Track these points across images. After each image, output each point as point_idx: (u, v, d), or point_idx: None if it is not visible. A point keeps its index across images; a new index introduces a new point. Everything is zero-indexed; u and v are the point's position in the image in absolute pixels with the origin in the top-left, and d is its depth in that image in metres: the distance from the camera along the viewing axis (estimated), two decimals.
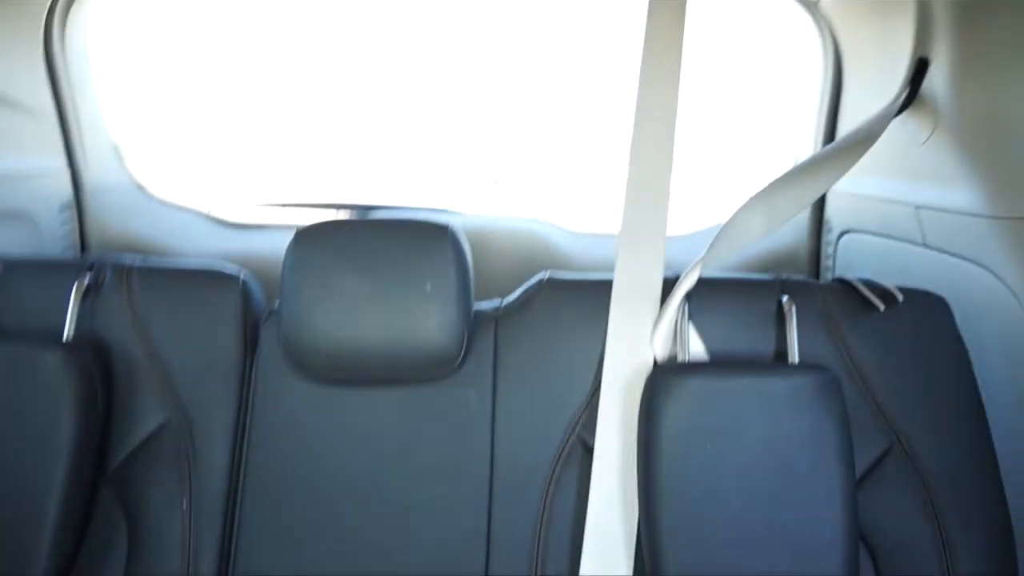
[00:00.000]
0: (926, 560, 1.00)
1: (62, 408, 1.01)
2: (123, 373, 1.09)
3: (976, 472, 1.02)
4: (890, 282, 1.07)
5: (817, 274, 1.64)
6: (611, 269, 1.07)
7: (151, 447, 1.08)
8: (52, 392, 1.02)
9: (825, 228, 1.60)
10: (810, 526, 0.91)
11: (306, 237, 1.07)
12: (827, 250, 1.59)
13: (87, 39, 1.61)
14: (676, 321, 1.02)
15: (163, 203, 1.82)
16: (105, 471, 1.07)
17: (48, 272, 1.12)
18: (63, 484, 1.00)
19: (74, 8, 1.50)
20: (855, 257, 1.48)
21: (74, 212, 1.63)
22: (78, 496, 1.02)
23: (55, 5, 1.46)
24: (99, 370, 1.06)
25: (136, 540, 1.06)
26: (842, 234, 1.53)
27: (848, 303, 1.06)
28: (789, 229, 1.65)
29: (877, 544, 1.00)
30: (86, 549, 1.05)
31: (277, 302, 1.10)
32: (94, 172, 1.65)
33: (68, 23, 1.51)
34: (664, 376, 0.97)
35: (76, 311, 1.07)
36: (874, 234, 1.40)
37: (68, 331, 1.07)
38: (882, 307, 1.03)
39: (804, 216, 1.64)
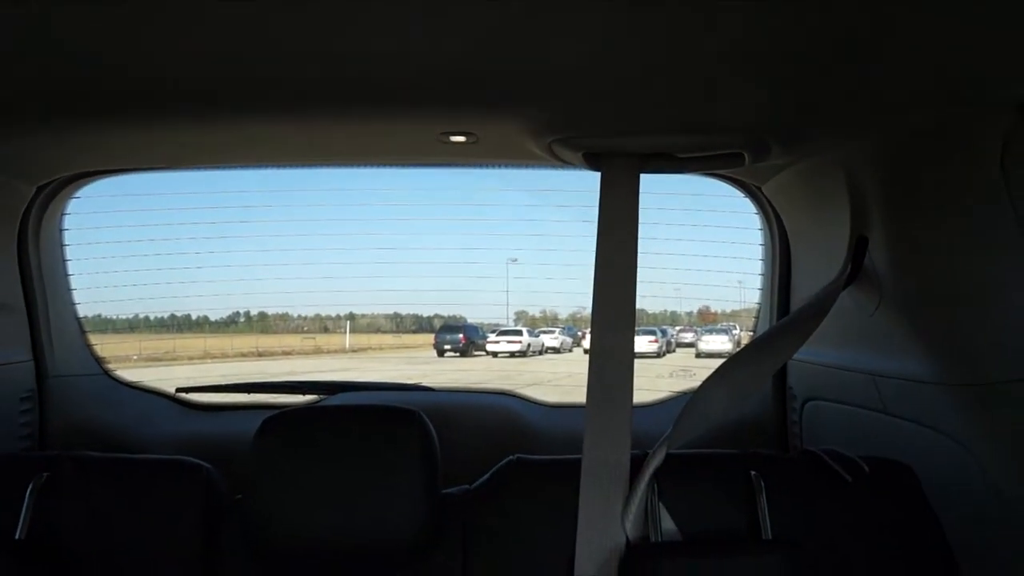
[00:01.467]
0: None
1: None
2: (78, 571, 1.04)
3: None
4: (856, 450, 1.08)
5: (785, 442, 1.65)
6: (581, 441, 1.07)
7: None
8: None
9: (789, 396, 1.63)
10: None
11: (272, 427, 1.07)
12: (792, 417, 1.61)
13: (62, 232, 1.66)
14: (646, 500, 1.02)
15: (128, 387, 1.81)
16: None
17: (4, 469, 1.09)
18: None
19: (52, 205, 1.55)
20: (820, 424, 1.50)
21: (35, 403, 1.61)
22: None
23: (33, 203, 1.51)
24: (52, 570, 1.01)
25: None
26: (805, 402, 1.55)
27: (816, 475, 1.07)
28: (754, 399, 1.68)
29: None
30: None
31: (239, 495, 1.08)
32: (60, 362, 1.65)
33: (45, 218, 1.55)
34: (638, 559, 0.96)
35: (31, 508, 1.04)
36: (836, 401, 1.43)
37: (21, 530, 1.03)
38: (849, 479, 1.04)
39: (768, 385, 1.67)
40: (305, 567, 1.04)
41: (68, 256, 1.70)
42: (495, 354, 10.35)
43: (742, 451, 1.10)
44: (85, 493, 1.08)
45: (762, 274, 1.77)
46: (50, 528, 1.05)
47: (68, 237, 1.69)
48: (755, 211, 1.72)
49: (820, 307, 1.18)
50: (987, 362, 1.03)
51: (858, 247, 1.27)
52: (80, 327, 1.75)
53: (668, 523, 1.01)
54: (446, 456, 1.09)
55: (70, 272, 1.71)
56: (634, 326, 1.10)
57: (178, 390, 1.86)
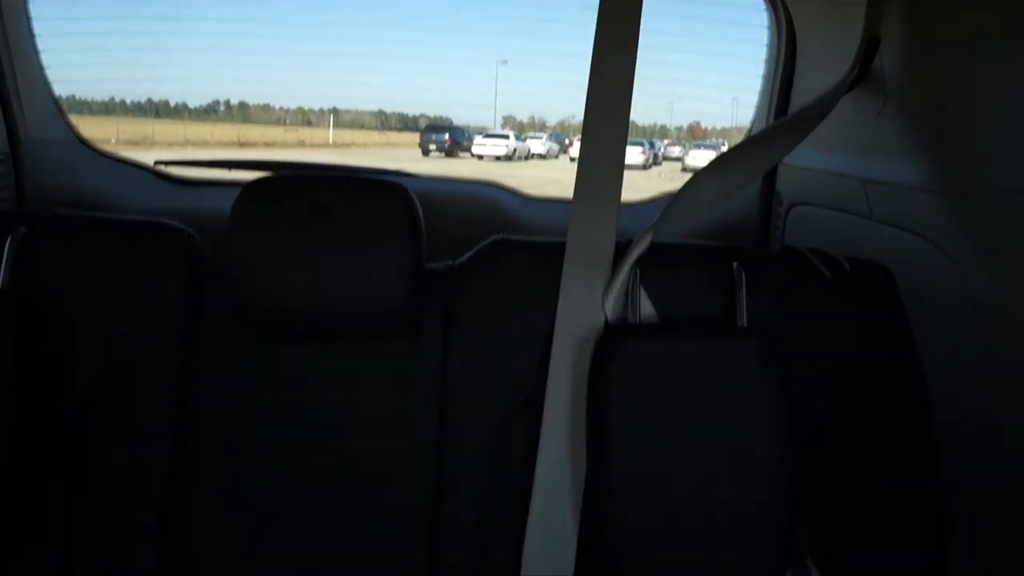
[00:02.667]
0: (860, 529, 1.03)
1: None
2: (61, 327, 1.06)
3: (915, 442, 1.06)
4: (837, 253, 1.09)
5: (766, 245, 1.67)
6: (564, 235, 1.07)
7: (92, 402, 1.05)
8: None
9: (775, 201, 1.63)
10: (748, 488, 0.94)
11: (254, 191, 1.05)
12: (776, 222, 1.61)
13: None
14: (628, 284, 1.03)
15: (106, 158, 1.77)
16: (44, 425, 1.04)
17: None
18: (2, 437, 0.97)
19: None
20: (804, 229, 1.51)
21: (10, 166, 1.57)
22: (16, 448, 0.99)
23: None
24: (35, 321, 1.02)
25: (77, 494, 1.03)
26: (791, 206, 1.55)
27: (796, 271, 1.08)
28: (740, 201, 1.68)
29: (814, 511, 1.03)
30: (27, 503, 1.02)
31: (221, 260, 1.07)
32: (32, 126, 1.60)
33: None
34: (614, 337, 0.98)
35: (11, 261, 1.04)
36: (823, 207, 1.43)
37: (2, 280, 1.03)
38: (829, 275, 1.05)
39: (755, 188, 1.67)
40: (287, 332, 1.06)
41: (32, 14, 1.61)
42: (480, 156, 10.24)
43: (726, 243, 1.11)
44: (66, 248, 1.07)
45: (763, 76, 1.71)
46: (31, 280, 1.06)
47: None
48: (764, 7, 1.64)
49: (822, 108, 1.15)
50: (989, 170, 1.01)
51: (868, 48, 1.22)
52: (51, 92, 1.68)
53: (647, 307, 1.03)
54: (429, 240, 1.09)
55: (37, 32, 1.62)
56: (627, 126, 1.07)
57: (157, 163, 1.82)
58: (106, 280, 1.08)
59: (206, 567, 1.04)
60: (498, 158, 10.22)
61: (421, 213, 1.07)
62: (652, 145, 10.56)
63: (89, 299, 1.07)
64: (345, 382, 1.07)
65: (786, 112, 1.60)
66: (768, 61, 1.68)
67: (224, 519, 1.05)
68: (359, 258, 1.02)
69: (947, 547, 1.05)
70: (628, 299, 1.03)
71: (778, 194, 1.61)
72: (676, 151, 10.74)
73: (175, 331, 1.08)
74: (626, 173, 1.06)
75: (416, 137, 10.73)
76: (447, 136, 10.32)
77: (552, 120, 12.53)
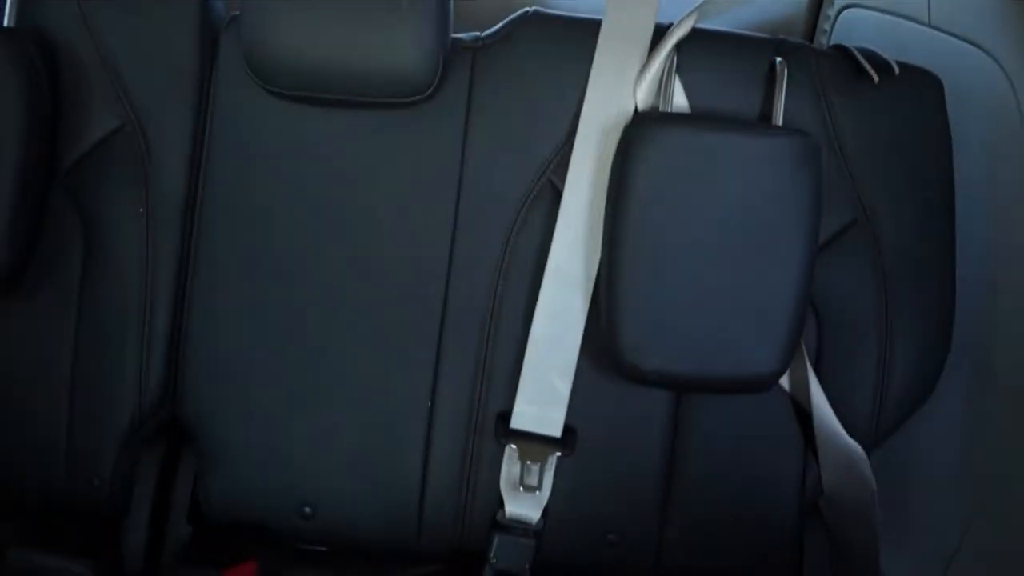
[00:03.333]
0: (867, 333, 1.04)
1: (7, 97, 0.95)
2: (71, 71, 1.02)
3: (934, 256, 1.04)
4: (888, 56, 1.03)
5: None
6: (601, 13, 1.00)
7: (104, 151, 1.03)
8: None
9: (826, 2, 1.52)
10: (765, 286, 0.94)
11: None
12: (824, 26, 1.51)
13: None
14: (662, 71, 0.98)
15: None
16: (57, 172, 1.03)
17: None
18: (13, 178, 0.96)
19: None
20: (853, 32, 1.41)
21: None
22: (30, 193, 0.98)
23: None
24: (45, 62, 0.98)
25: (92, 245, 1.04)
26: (843, 8, 1.45)
27: (842, 71, 1.02)
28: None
29: (824, 311, 1.04)
30: (41, 254, 1.03)
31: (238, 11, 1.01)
32: None
33: None
34: (644, 124, 0.94)
35: (17, 2, 0.98)
36: (877, 10, 1.33)
37: (9, 18, 0.98)
38: (876, 77, 0.99)
39: None
40: (304, 92, 1.02)
41: None
42: None
43: (772, 36, 1.04)
44: None
45: None
46: (39, 25, 1.00)
47: None
48: None
49: None
50: None
51: None
52: None
53: (680, 98, 0.98)
54: (457, 14, 1.02)
55: None
56: None
57: None
58: (117, 30, 1.02)
59: (220, 338, 1.06)
60: None
61: None
62: None
63: (100, 47, 1.02)
64: (360, 148, 1.04)
65: None
66: None
67: (239, 274, 1.05)
68: (383, 16, 0.96)
69: (941, 369, 1.07)
70: (661, 87, 0.98)
71: None
72: None
73: (188, 89, 1.04)
74: None
75: None
76: None
77: None
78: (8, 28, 0.98)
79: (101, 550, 1.03)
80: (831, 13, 1.49)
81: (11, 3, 0.98)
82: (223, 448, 1.05)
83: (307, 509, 1.04)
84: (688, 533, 1.05)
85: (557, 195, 1.01)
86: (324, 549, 1.10)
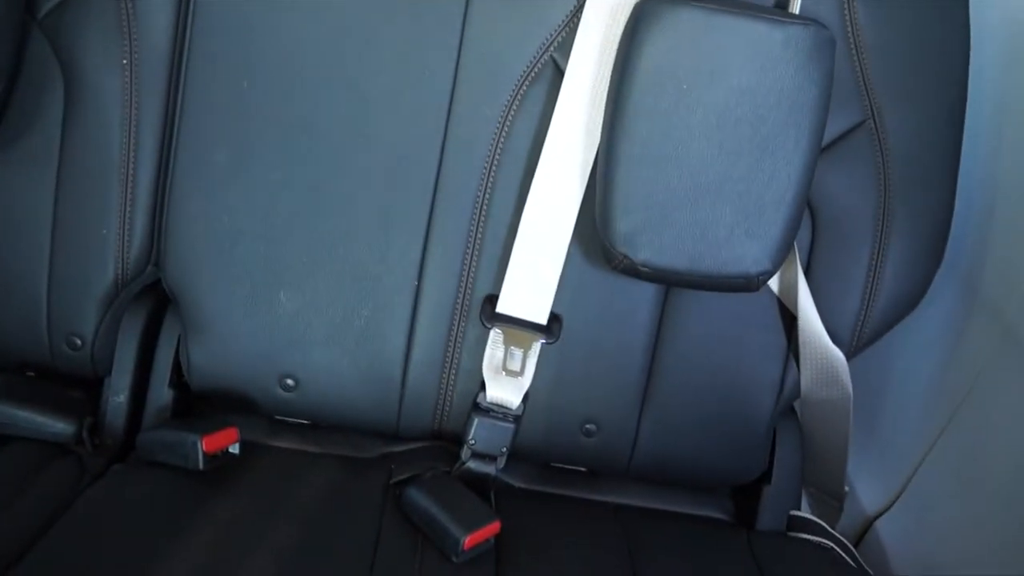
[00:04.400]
0: (861, 240, 1.03)
1: None
2: None
3: (937, 166, 1.03)
4: None
5: None
6: None
7: None
8: None
9: None
10: (765, 181, 0.92)
11: None
12: None
13: None
14: None
15: None
16: (36, 14, 0.98)
17: None
18: None
19: None
20: None
21: None
22: (7, 36, 0.94)
23: None
24: None
25: (73, 96, 1.00)
26: None
27: None
28: None
29: (820, 214, 1.03)
30: (21, 103, 0.99)
31: None
32: None
33: None
34: (654, 3, 0.91)
35: None
36: None
37: None
38: None
39: None
40: None
41: None
42: None
43: None
44: None
45: None
46: None
47: None
48: None
49: None
50: None
51: None
52: None
53: None
54: None
55: None
56: None
57: None
58: None
59: (205, 199, 1.03)
60: None
61: None
62: None
63: None
64: (360, 10, 0.99)
65: None
66: None
67: (225, 130, 1.01)
68: None
69: (929, 284, 1.07)
70: None
71: None
72: None
73: None
74: None
75: None
76: None
77: None
78: None
79: (83, 412, 1.02)
80: None
81: None
82: (206, 314, 1.03)
83: (289, 381, 1.04)
84: (664, 426, 1.07)
85: (559, 76, 0.98)
86: (306, 422, 1.11)
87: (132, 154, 1.01)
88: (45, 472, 0.95)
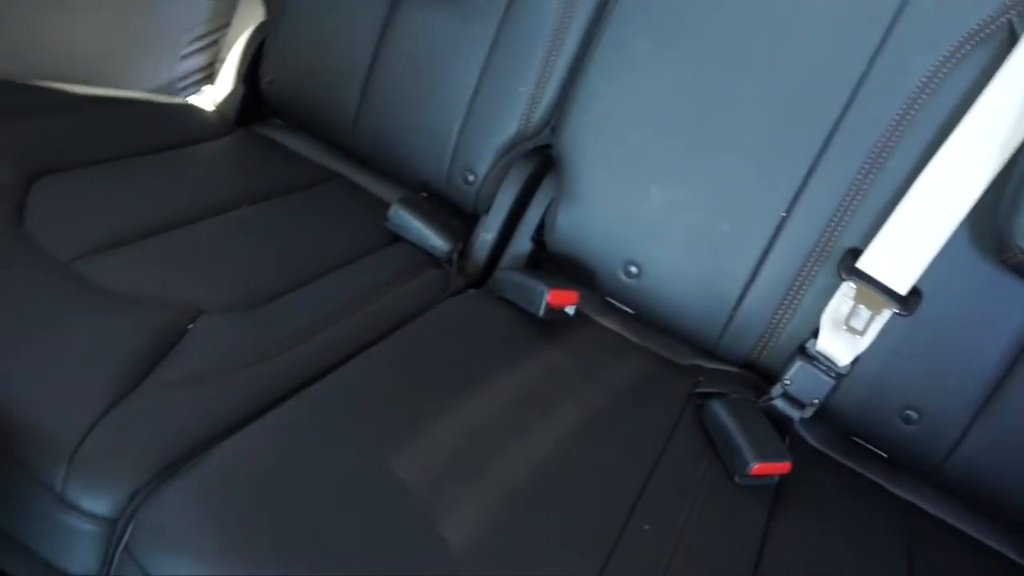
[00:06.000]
0: None
1: None
2: None
3: None
4: None
5: None
6: None
7: None
8: None
9: None
10: None
11: None
12: None
13: None
14: None
15: None
16: None
17: None
18: None
19: None
20: None
21: None
22: None
23: None
24: None
25: None
26: None
27: None
28: None
29: None
30: None
31: None
32: None
33: None
34: None
35: None
36: None
37: None
38: None
39: None
40: None
41: None
42: None
43: None
44: None
45: None
46: None
47: None
48: None
49: None
50: None
51: None
52: None
53: None
54: None
55: None
56: None
57: None
58: None
59: (612, 85, 1.08)
60: None
61: None
62: None
63: None
64: None
65: None
66: None
67: (638, 42, 1.06)
68: None
69: None
70: None
71: None
72: None
73: None
74: None
75: None
76: None
77: None
78: None
79: (458, 238, 1.18)
80: None
81: None
82: (581, 186, 1.12)
83: (633, 268, 1.11)
84: (998, 441, 0.97)
85: (1010, 42, 0.90)
86: (631, 312, 1.18)
87: (566, 22, 1.11)
88: (417, 276, 1.11)
